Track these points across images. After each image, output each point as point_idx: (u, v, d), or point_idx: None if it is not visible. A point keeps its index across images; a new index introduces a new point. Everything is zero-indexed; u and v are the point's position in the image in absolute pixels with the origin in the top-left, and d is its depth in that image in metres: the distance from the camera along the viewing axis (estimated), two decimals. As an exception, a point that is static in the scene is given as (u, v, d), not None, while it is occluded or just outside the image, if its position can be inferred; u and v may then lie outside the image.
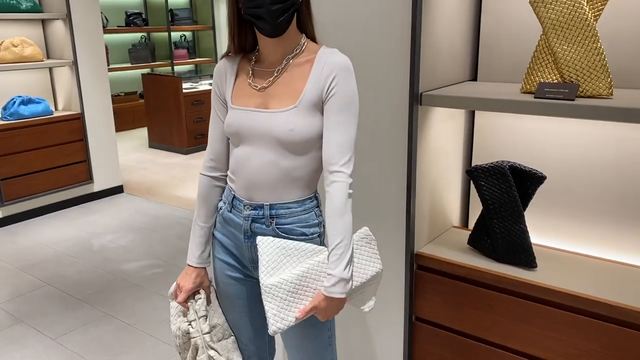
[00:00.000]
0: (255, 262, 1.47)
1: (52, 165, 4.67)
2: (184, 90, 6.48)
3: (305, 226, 1.44)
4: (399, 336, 1.90)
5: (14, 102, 4.41)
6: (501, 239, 1.68)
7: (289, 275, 1.36)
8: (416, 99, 1.63)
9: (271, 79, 1.40)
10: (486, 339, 1.72)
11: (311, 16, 1.43)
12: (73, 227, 4.39)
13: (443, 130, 1.81)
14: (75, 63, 4.66)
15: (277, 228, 1.43)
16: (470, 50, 1.86)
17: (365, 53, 1.74)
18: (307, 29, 1.43)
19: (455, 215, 1.99)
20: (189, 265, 1.57)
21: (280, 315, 1.35)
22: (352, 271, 1.38)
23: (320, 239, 1.47)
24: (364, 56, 1.75)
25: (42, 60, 4.58)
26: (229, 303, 1.60)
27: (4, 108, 4.44)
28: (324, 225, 1.46)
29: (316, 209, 1.47)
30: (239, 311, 1.60)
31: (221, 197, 1.54)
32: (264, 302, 1.36)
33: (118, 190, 5.20)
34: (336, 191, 1.34)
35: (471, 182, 1.97)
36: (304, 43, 1.41)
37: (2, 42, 4.34)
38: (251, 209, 1.44)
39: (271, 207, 1.42)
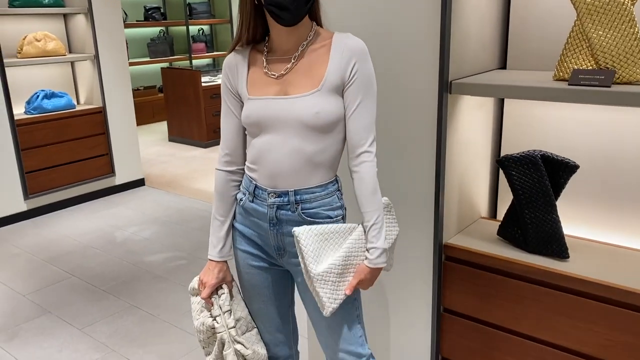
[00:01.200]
0: (280, 249, 1.50)
1: (75, 158, 4.72)
2: (203, 84, 6.50)
3: (330, 209, 1.47)
4: (427, 327, 1.89)
5: (37, 96, 4.46)
6: (532, 230, 1.66)
7: (335, 259, 1.42)
8: (446, 87, 1.61)
9: (289, 66, 1.41)
10: (515, 330, 1.70)
11: (319, 3, 1.46)
12: (96, 220, 4.44)
13: (472, 119, 1.79)
14: (96, 57, 4.69)
15: (302, 213, 1.45)
16: (500, 37, 1.83)
17: (393, 40, 1.73)
18: (316, 16, 1.46)
19: (483, 206, 1.97)
20: (211, 260, 1.57)
21: (333, 296, 1.42)
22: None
23: (343, 221, 1.52)
24: (392, 43, 1.73)
25: (65, 55, 4.63)
26: (254, 293, 1.61)
27: (28, 102, 4.49)
28: (345, 208, 1.54)
29: (338, 192, 1.51)
30: (265, 300, 1.61)
31: (239, 190, 1.55)
32: (318, 289, 1.39)
33: (139, 183, 5.25)
34: (367, 171, 1.42)
35: (500, 172, 1.95)
36: (315, 29, 1.44)
37: (25, 37, 4.38)
38: (276, 197, 1.45)
39: (296, 192, 1.44)
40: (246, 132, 1.51)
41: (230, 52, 1.49)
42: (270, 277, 1.58)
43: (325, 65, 1.39)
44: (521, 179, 1.65)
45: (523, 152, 1.64)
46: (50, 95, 4.53)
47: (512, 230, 1.73)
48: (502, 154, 1.91)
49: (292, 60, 1.42)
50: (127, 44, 5.80)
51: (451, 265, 1.78)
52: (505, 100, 1.88)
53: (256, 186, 1.48)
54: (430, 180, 1.75)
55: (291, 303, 1.68)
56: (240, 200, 1.53)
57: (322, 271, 1.39)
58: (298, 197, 1.44)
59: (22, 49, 4.37)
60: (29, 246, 3.95)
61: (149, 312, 2.99)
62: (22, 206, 4.41)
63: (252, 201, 1.49)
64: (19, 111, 4.47)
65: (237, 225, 1.56)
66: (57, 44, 4.54)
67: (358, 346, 1.56)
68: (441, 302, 1.83)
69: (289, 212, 1.45)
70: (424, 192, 1.79)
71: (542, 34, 1.75)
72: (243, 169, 1.54)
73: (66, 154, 4.66)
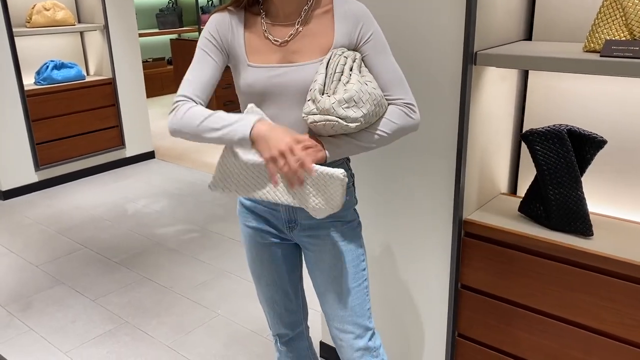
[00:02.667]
0: (292, 221, 1.48)
1: (85, 130, 4.70)
2: (213, 56, 6.41)
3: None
4: (444, 303, 1.87)
5: (47, 66, 4.42)
6: (556, 206, 1.62)
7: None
8: (471, 59, 1.56)
9: (292, 31, 1.35)
10: (534, 308, 1.68)
11: None
12: (107, 192, 4.43)
13: (495, 92, 1.74)
14: (106, 27, 4.63)
15: None
16: (526, 7, 1.77)
17: (416, 8, 1.67)
18: None
19: (503, 182, 1.93)
20: (259, 121, 1.26)
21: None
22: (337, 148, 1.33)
23: (353, 189, 1.50)
24: (415, 12, 1.67)
25: (74, 25, 4.57)
26: (264, 269, 1.58)
27: (38, 72, 4.45)
28: (354, 174, 1.52)
29: (346, 159, 1.48)
30: (275, 275, 1.58)
31: None
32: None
33: (149, 156, 5.23)
34: (396, 109, 1.38)
35: (521, 147, 1.91)
36: None
37: (34, 6, 4.33)
38: None
39: None
40: (240, 103, 1.43)
41: (223, 8, 1.39)
42: (280, 251, 1.55)
43: (331, 32, 1.34)
44: (546, 154, 1.60)
45: (548, 126, 1.60)
46: (60, 66, 4.49)
47: (534, 206, 1.69)
48: (525, 128, 1.86)
49: (296, 26, 1.35)
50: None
51: (470, 241, 1.75)
52: (530, 72, 1.82)
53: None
54: (451, 153, 1.71)
55: (300, 278, 1.66)
56: None
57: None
58: None
59: (31, 18, 4.32)
60: (40, 217, 3.96)
61: (161, 284, 2.99)
62: (33, 177, 4.41)
63: None
64: (29, 82, 4.44)
65: (244, 201, 1.52)
66: (66, 14, 4.48)
67: (366, 319, 1.54)
68: (459, 278, 1.80)
69: None
70: (445, 166, 1.75)
71: (571, 2, 1.68)
72: None
73: (76, 126, 4.63)
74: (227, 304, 2.82)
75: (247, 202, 1.52)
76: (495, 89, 1.74)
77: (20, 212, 4.07)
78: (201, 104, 1.34)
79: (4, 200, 4.27)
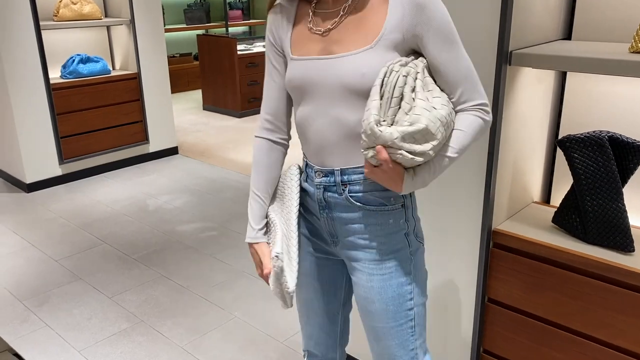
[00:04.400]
0: (334, 236, 1.33)
1: (110, 124, 4.70)
2: (239, 52, 6.38)
3: (384, 196, 1.24)
4: (470, 317, 1.77)
5: (73, 60, 4.43)
6: (593, 219, 1.50)
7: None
8: (505, 58, 1.46)
9: (337, 19, 1.20)
10: (567, 326, 1.56)
11: None
12: (129, 187, 4.42)
13: (531, 94, 1.63)
14: (132, 22, 4.62)
15: (350, 197, 1.25)
16: (566, 3, 1.65)
17: (448, 3, 1.57)
18: None
19: (536, 190, 1.82)
20: (250, 245, 1.37)
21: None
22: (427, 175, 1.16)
23: (404, 210, 1.27)
24: (447, 7, 1.57)
25: (100, 19, 4.56)
26: (305, 281, 1.44)
27: (64, 66, 4.46)
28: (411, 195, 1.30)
29: None
30: (314, 292, 1.45)
31: (282, 162, 1.39)
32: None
33: (173, 151, 5.21)
34: (473, 118, 1.17)
35: (557, 153, 1.79)
36: None
37: (62, 0, 4.33)
38: (322, 176, 1.27)
39: (342, 172, 1.24)
40: (292, 99, 1.33)
41: (274, 3, 1.29)
42: (325, 269, 1.41)
43: (382, 18, 1.15)
44: (584, 162, 1.49)
45: (587, 133, 1.48)
46: (86, 60, 4.49)
47: (569, 218, 1.58)
48: (561, 133, 1.75)
49: (341, 13, 1.19)
50: (162, 9, 5.70)
51: (499, 252, 1.65)
52: (568, 74, 1.70)
53: (307, 163, 1.31)
54: (482, 158, 1.61)
55: (345, 303, 1.49)
56: (299, 179, 1.36)
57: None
58: (345, 177, 1.24)
59: (58, 12, 4.32)
60: (62, 211, 3.96)
61: (178, 283, 2.94)
62: (57, 171, 4.42)
63: (306, 180, 1.33)
64: (55, 75, 4.45)
65: (300, 209, 1.37)
66: (93, 7, 4.48)
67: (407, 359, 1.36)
68: (486, 291, 1.70)
69: (336, 195, 1.26)
70: (475, 172, 1.65)
71: (614, 0, 1.56)
72: (286, 140, 1.38)
73: (101, 120, 4.63)
74: (244, 306, 2.75)
75: (302, 210, 1.37)
76: (531, 90, 1.63)
77: (43, 205, 4.08)
78: (275, 128, 1.34)
79: (28, 192, 4.29)
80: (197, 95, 7.57)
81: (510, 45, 1.46)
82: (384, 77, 1.10)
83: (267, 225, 1.37)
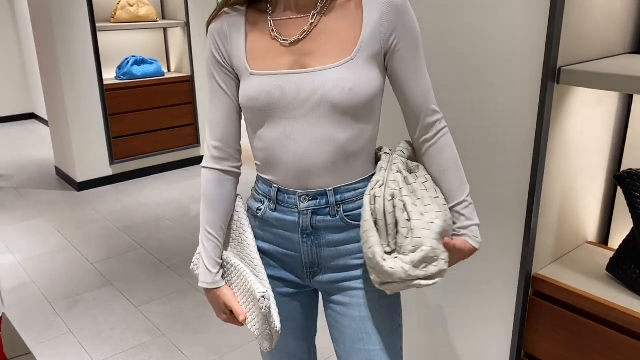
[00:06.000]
0: (314, 265, 1.20)
1: (161, 126, 4.71)
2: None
3: None
4: (502, 373, 1.53)
5: (128, 62, 4.46)
6: (657, 272, 1.24)
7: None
8: (552, 76, 1.22)
9: (306, 28, 1.06)
10: (620, 397, 1.30)
11: None
12: (175, 190, 4.40)
13: (586, 118, 1.37)
14: (187, 24, 4.60)
15: (345, 217, 1.14)
16: (635, 11, 1.39)
17: (483, 11, 1.34)
18: None
19: (591, 228, 1.55)
20: (209, 290, 1.22)
21: None
22: None
23: None
24: (482, 15, 1.35)
25: (156, 21, 4.58)
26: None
27: (119, 67, 4.50)
28: None
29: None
30: (289, 333, 1.30)
31: (235, 193, 1.23)
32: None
33: (223, 155, 5.16)
34: (446, 140, 1.15)
35: (617, 188, 1.52)
36: None
37: (119, 2, 4.37)
38: (309, 200, 1.13)
39: (335, 191, 1.13)
40: (245, 120, 1.17)
41: (218, 12, 1.14)
42: (299, 304, 1.28)
43: (358, 27, 1.05)
44: (648, 204, 1.23)
45: (654, 168, 1.22)
46: (140, 62, 4.51)
47: (627, 267, 1.32)
48: (624, 165, 1.48)
49: (310, 21, 1.06)
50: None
51: (539, 302, 1.40)
52: (635, 97, 1.43)
53: (279, 190, 1.16)
54: (522, 193, 1.37)
55: (315, 331, 1.39)
56: (258, 210, 1.21)
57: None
58: (338, 196, 1.13)
59: (115, 14, 4.36)
60: (107, 212, 3.97)
61: (205, 297, 2.83)
62: (107, 171, 4.46)
63: (275, 210, 1.18)
64: (110, 76, 4.50)
65: (260, 244, 1.23)
66: (149, 10, 4.49)
67: None
68: (522, 345, 1.46)
69: (328, 217, 1.14)
70: (513, 207, 1.41)
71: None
72: (238, 168, 1.22)
73: (152, 122, 4.64)
74: (270, 326, 2.60)
75: (260, 244, 1.23)
76: (586, 114, 1.37)
77: (91, 204, 4.11)
78: (226, 155, 1.20)
79: (78, 191, 4.35)
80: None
81: (559, 60, 1.22)
82: (371, 206, 1.09)
83: (222, 267, 1.22)
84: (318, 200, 1.13)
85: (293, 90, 1.05)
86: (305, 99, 1.05)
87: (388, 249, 1.08)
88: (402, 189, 1.08)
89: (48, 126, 5.13)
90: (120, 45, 4.63)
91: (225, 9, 1.13)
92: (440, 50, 1.46)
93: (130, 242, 3.49)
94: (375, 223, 1.08)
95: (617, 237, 1.54)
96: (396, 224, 1.07)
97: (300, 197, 1.14)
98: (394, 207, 1.07)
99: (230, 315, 1.23)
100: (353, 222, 1.15)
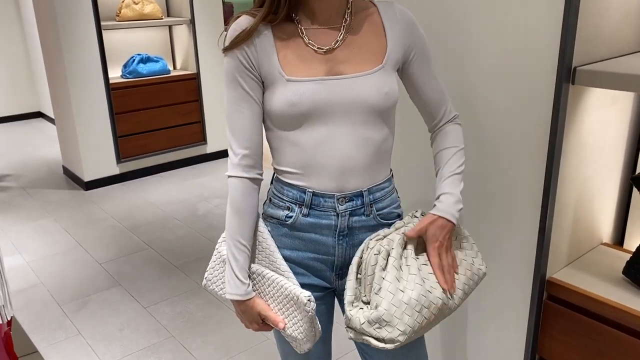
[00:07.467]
0: (345, 266, 1.21)
1: (167, 124, 4.69)
2: (304, 52, 6.23)
3: (397, 207, 1.28)
4: (516, 378, 1.50)
5: (134, 60, 4.44)
6: (676, 277, 1.20)
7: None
8: (567, 76, 1.18)
9: (338, 37, 1.14)
10: (637, 403, 1.27)
11: None
12: (183, 188, 4.38)
13: (602, 118, 1.34)
14: (192, 22, 4.58)
15: (377, 215, 1.22)
16: (652, 9, 1.35)
17: (496, 10, 1.31)
18: None
19: (606, 229, 1.52)
20: (241, 302, 1.20)
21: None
22: None
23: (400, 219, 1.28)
24: (494, 14, 1.31)
25: (161, 18, 4.55)
26: None
27: (125, 66, 4.48)
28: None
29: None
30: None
31: (258, 204, 1.22)
32: None
33: (230, 153, 5.14)
34: (454, 127, 1.25)
35: (633, 189, 1.49)
36: None
37: (124, 0, 4.34)
38: (347, 201, 1.18)
39: (369, 191, 1.20)
40: (271, 125, 1.17)
41: (238, 20, 1.13)
42: (325, 307, 1.29)
43: (382, 37, 1.16)
44: (666, 207, 1.19)
45: (673, 170, 1.19)
46: (146, 60, 4.49)
47: (644, 271, 1.28)
48: (640, 165, 1.44)
49: (341, 31, 1.14)
50: (232, 8, 5.64)
51: (554, 307, 1.37)
52: (652, 94, 1.40)
53: (314, 194, 1.16)
54: (536, 194, 1.34)
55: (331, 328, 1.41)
56: (288, 218, 1.19)
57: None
58: (372, 196, 1.20)
59: (120, 12, 4.34)
60: (115, 211, 3.97)
61: (214, 298, 2.83)
62: (114, 170, 4.46)
63: (308, 215, 1.18)
64: (116, 74, 4.48)
65: (284, 252, 1.22)
66: (154, 7, 4.47)
67: None
68: (536, 350, 1.43)
69: (363, 217, 1.20)
70: (527, 209, 1.38)
71: None
72: (261, 175, 1.21)
73: (159, 120, 4.63)
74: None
75: (288, 253, 1.22)
76: (602, 114, 1.34)
77: (98, 204, 4.11)
78: (254, 163, 1.19)
79: (85, 190, 4.35)
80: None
81: (574, 59, 1.18)
82: (361, 253, 1.15)
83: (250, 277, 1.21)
84: (354, 202, 1.18)
85: (334, 94, 1.11)
86: (347, 103, 1.11)
87: (365, 299, 1.12)
88: (393, 250, 1.12)
89: (55, 125, 5.13)
90: (125, 43, 4.61)
91: (254, 16, 1.12)
92: (453, 51, 1.43)
93: (138, 242, 3.48)
94: (358, 271, 1.13)
95: (633, 239, 1.51)
96: (373, 277, 1.11)
97: (338, 199, 1.17)
98: (376, 262, 1.11)
99: (262, 324, 1.23)
100: (383, 221, 1.22)
